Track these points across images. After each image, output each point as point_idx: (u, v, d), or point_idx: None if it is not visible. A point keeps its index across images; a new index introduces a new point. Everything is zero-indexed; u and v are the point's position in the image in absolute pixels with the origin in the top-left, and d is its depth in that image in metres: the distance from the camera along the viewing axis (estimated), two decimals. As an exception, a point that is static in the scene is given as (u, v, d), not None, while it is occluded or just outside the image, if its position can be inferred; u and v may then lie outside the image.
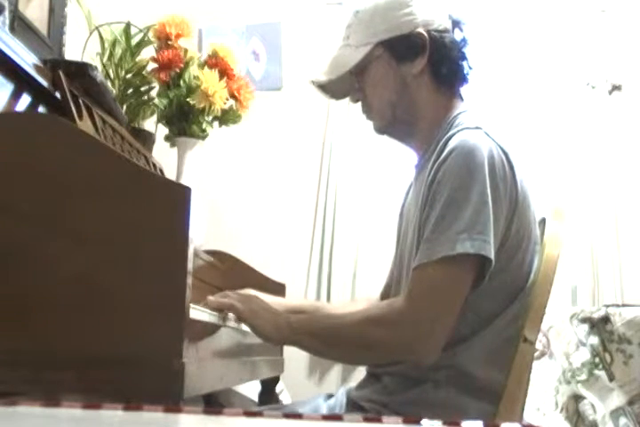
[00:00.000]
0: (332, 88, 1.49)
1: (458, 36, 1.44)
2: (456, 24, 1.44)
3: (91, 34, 1.91)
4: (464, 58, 1.43)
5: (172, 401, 0.93)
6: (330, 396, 1.50)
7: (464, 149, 1.26)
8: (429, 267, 1.24)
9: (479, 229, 1.22)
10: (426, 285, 1.25)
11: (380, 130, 1.47)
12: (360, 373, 1.47)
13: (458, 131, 1.31)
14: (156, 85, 1.91)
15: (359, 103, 1.48)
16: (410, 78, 1.41)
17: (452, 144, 1.28)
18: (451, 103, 1.43)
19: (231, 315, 1.29)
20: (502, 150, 1.29)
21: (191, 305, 0.98)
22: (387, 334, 1.25)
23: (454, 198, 1.24)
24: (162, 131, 1.95)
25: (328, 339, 1.31)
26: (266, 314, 1.30)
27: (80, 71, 1.43)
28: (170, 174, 1.81)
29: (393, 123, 1.44)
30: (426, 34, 1.39)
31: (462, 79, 1.45)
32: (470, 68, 1.45)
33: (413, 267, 1.26)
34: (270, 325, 1.29)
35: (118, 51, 1.89)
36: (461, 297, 1.24)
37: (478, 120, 1.35)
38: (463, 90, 1.47)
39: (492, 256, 1.23)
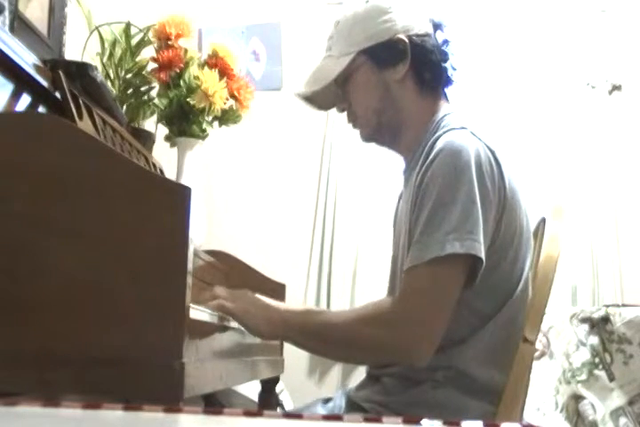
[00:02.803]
0: (318, 99, 1.50)
1: (440, 37, 1.44)
2: (437, 26, 1.44)
3: (91, 34, 1.91)
4: (447, 60, 1.43)
5: (172, 401, 0.93)
6: (327, 400, 1.50)
7: (450, 150, 1.27)
8: (420, 269, 1.24)
9: (468, 228, 1.22)
10: (417, 286, 1.25)
11: (367, 138, 1.49)
12: (360, 373, 1.47)
13: (444, 132, 1.32)
14: (156, 85, 1.91)
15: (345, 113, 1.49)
16: (393, 84, 1.42)
17: (438, 146, 1.29)
18: (436, 106, 1.43)
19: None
20: (489, 149, 1.30)
21: (191, 305, 0.98)
22: (379, 335, 1.26)
23: (442, 199, 1.24)
24: (162, 131, 1.95)
25: (320, 336, 1.31)
26: (258, 310, 1.30)
27: (80, 71, 1.43)
28: (170, 174, 1.81)
29: (379, 130, 1.45)
30: (406, 39, 1.40)
31: (447, 81, 1.45)
32: (454, 68, 1.45)
33: (405, 269, 1.27)
34: (263, 321, 1.29)
35: (118, 51, 1.89)
36: (453, 298, 1.24)
37: (464, 121, 1.35)
38: (450, 91, 1.48)
39: (483, 255, 1.23)
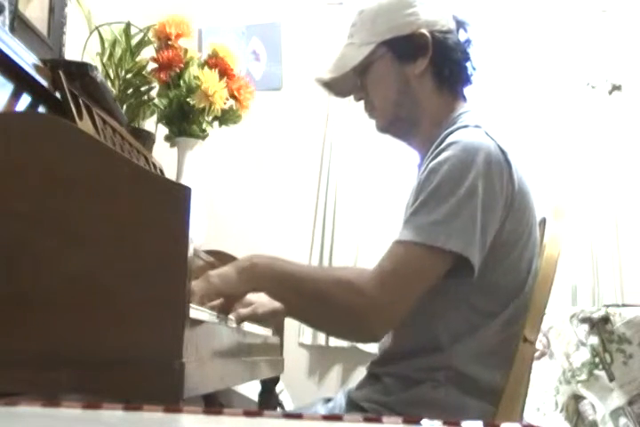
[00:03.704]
0: (337, 86, 1.49)
1: (462, 36, 1.43)
2: (460, 25, 1.44)
3: (91, 34, 1.91)
4: (467, 59, 1.43)
5: (172, 401, 0.93)
6: (328, 400, 1.50)
7: (462, 146, 1.27)
8: (405, 246, 1.24)
9: (458, 225, 1.22)
10: (398, 262, 1.25)
11: (382, 129, 1.48)
12: (360, 373, 1.47)
13: (458, 128, 1.32)
14: (156, 85, 1.91)
15: (361, 102, 1.49)
16: (412, 78, 1.41)
17: (449, 140, 1.29)
18: (453, 104, 1.43)
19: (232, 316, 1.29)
20: (501, 150, 1.30)
21: (191, 305, 0.98)
22: (346, 296, 1.24)
23: (441, 188, 1.25)
24: (162, 131, 1.95)
25: (289, 284, 1.29)
26: (222, 270, 1.28)
27: (80, 71, 1.43)
28: (170, 174, 1.81)
29: (395, 122, 1.45)
30: (428, 35, 1.39)
31: (465, 80, 1.45)
32: (474, 68, 1.45)
33: (393, 241, 1.27)
34: (232, 273, 1.26)
35: (118, 51, 1.89)
36: (426, 284, 1.24)
37: (479, 119, 1.35)
38: (466, 90, 1.48)
39: (470, 255, 1.22)
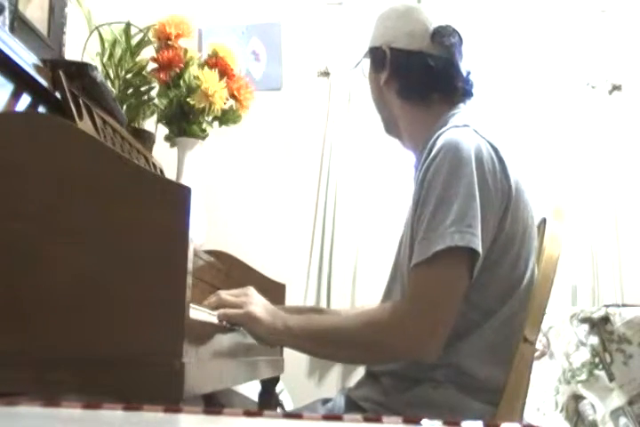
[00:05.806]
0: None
1: (436, 58, 1.42)
2: (441, 44, 1.42)
3: (91, 34, 1.91)
4: (440, 77, 1.43)
5: (172, 401, 0.93)
6: (327, 400, 1.50)
7: (450, 147, 1.28)
8: (424, 266, 1.24)
9: (467, 222, 1.23)
10: (422, 284, 1.25)
11: (384, 128, 1.54)
12: (360, 373, 1.47)
13: (446, 129, 1.32)
14: (156, 85, 1.91)
15: (363, 102, 1.53)
16: (383, 87, 1.48)
17: (439, 143, 1.30)
18: (430, 111, 1.43)
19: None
20: (491, 146, 1.30)
21: (191, 305, 0.98)
22: (388, 337, 1.26)
23: (443, 196, 1.25)
24: (162, 131, 1.95)
25: (329, 342, 1.31)
26: (262, 317, 1.30)
27: (80, 71, 1.43)
28: (170, 174, 1.81)
29: (386, 123, 1.52)
30: (388, 51, 1.44)
31: (447, 93, 1.44)
32: (467, 83, 1.44)
33: (410, 268, 1.27)
34: (266, 328, 1.29)
35: (118, 51, 1.89)
36: (458, 291, 1.25)
37: (468, 119, 1.36)
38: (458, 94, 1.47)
39: (480, 250, 1.23)
